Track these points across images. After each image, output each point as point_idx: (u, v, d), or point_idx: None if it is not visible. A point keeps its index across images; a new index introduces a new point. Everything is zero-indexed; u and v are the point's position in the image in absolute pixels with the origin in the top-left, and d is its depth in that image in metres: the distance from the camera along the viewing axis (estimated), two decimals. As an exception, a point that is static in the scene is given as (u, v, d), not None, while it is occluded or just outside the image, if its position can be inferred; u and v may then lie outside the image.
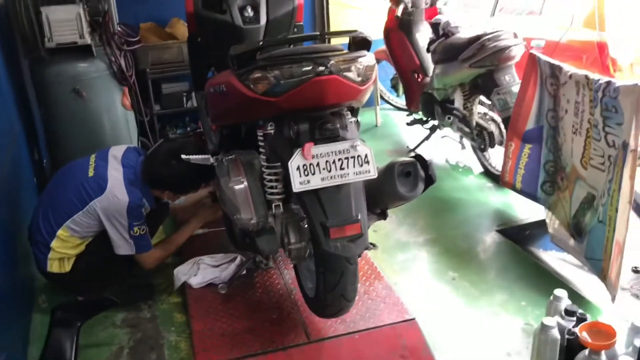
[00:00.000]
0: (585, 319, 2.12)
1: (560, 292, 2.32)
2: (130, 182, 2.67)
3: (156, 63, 4.44)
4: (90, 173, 2.70)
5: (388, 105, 5.56)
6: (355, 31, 2.05)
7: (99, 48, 3.75)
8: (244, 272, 2.74)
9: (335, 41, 3.01)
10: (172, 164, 2.72)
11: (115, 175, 2.68)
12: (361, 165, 1.96)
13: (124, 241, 2.64)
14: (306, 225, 2.20)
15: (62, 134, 3.78)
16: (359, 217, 1.94)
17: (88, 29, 3.59)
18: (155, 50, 4.40)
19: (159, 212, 2.89)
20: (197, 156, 2.63)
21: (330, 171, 1.93)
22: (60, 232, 2.62)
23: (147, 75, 4.41)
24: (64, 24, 3.50)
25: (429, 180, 2.12)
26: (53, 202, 2.71)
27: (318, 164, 1.92)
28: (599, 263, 2.45)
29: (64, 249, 2.65)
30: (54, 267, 2.67)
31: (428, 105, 4.08)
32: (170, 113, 4.68)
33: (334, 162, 1.93)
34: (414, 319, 2.44)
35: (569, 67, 2.67)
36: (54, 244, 2.63)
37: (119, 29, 3.94)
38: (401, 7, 4.04)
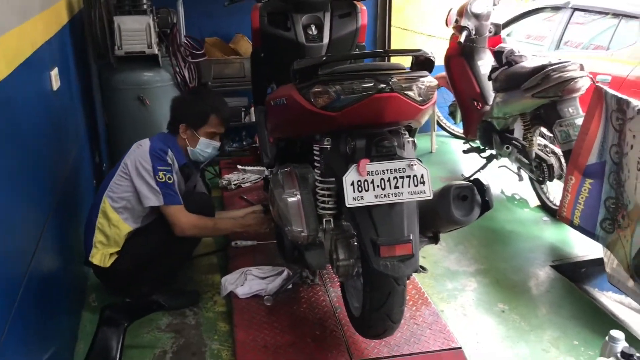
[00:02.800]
0: (643, 363, 2.02)
1: (617, 334, 2.22)
2: (155, 139, 2.84)
3: (218, 77, 4.53)
4: None
5: (444, 132, 5.51)
6: (419, 50, 2.04)
7: (165, 59, 3.87)
8: (290, 286, 2.73)
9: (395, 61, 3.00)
10: (187, 98, 2.99)
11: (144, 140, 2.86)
12: (416, 185, 1.93)
13: (151, 190, 2.69)
14: (356, 243, 2.18)
15: (124, 140, 3.88)
16: (411, 237, 1.91)
17: (156, 39, 3.72)
18: (218, 65, 4.50)
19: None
20: (252, 167, 2.66)
21: (384, 189, 1.91)
22: (102, 205, 2.74)
23: (208, 88, 4.51)
24: (134, 33, 3.63)
25: (486, 206, 2.06)
26: (102, 185, 2.86)
27: (372, 181, 1.91)
28: (660, 307, 2.33)
29: (106, 227, 2.73)
30: (95, 258, 2.73)
31: (486, 133, 4.01)
32: (228, 126, 4.74)
33: (389, 180, 1.92)
34: (460, 347, 2.37)
35: (637, 102, 2.58)
36: (98, 221, 2.73)
37: (186, 41, 4.06)
38: (464, 33, 4.00)
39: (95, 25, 3.74)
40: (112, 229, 2.74)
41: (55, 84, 2.70)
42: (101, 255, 2.73)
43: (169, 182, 2.71)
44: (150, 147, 2.73)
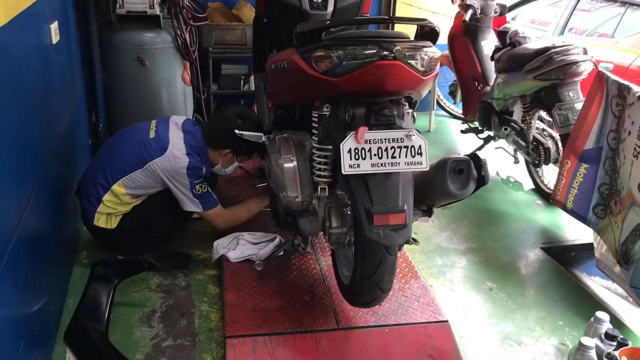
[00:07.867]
0: (626, 345, 2.05)
1: (602, 315, 2.24)
2: (190, 146, 2.73)
3: (219, 43, 4.49)
4: (152, 135, 2.76)
5: (443, 112, 5.50)
6: (424, 20, 2.02)
7: (167, 20, 3.83)
8: (282, 253, 2.74)
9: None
10: (238, 122, 2.84)
11: (176, 138, 2.74)
12: (414, 156, 1.92)
13: (189, 199, 2.72)
14: (349, 212, 2.18)
15: (121, 100, 3.88)
16: (405, 207, 1.91)
17: (158, 0, 3.67)
18: (219, 30, 4.45)
19: (208, 183, 2.92)
20: (250, 132, 2.65)
21: (381, 158, 1.90)
22: (115, 187, 2.68)
23: (209, 53, 4.47)
24: (137, -8, 3.59)
25: (481, 181, 2.06)
26: (111, 158, 2.76)
27: (370, 150, 1.90)
28: (645, 292, 2.36)
29: (114, 204, 2.70)
30: (100, 221, 2.72)
31: (485, 114, 4.01)
32: (227, 94, 4.73)
33: (386, 149, 1.90)
34: (446, 321, 2.40)
35: (638, 88, 2.57)
36: (105, 197, 2.69)
37: (188, 4, 4.01)
38: (470, 12, 3.97)
39: (97, -18, 3.69)
40: (122, 204, 2.72)
41: (55, 37, 2.67)
42: (106, 218, 2.73)
43: (204, 191, 2.75)
44: (187, 165, 2.66)
